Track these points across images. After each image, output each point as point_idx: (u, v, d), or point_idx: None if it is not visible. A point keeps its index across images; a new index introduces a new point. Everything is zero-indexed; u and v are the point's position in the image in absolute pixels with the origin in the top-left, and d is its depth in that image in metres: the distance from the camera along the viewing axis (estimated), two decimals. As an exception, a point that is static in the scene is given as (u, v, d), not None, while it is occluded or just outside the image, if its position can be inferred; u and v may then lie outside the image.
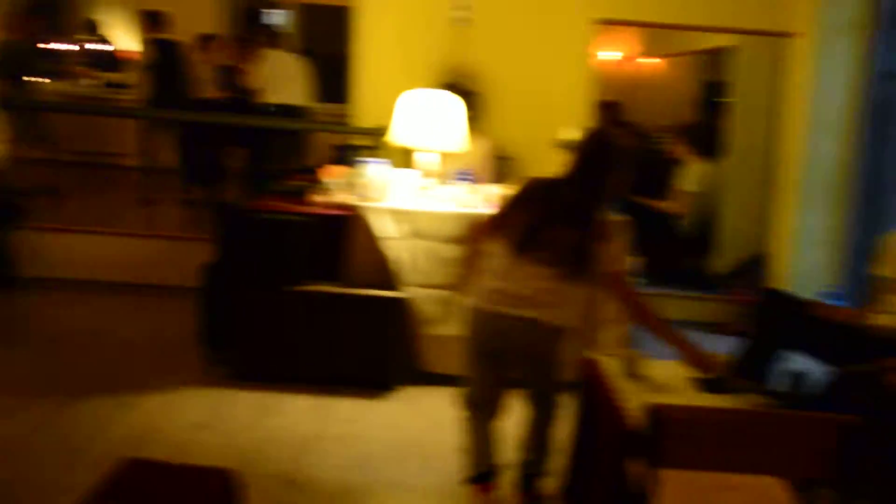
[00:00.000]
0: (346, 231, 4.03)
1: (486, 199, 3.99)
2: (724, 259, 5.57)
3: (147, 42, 7.48)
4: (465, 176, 4.23)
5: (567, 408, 2.91)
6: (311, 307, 3.91)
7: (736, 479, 2.28)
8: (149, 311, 5.03)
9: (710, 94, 6.58)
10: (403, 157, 4.43)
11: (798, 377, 2.82)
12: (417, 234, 4.04)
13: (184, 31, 7.57)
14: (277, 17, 9.71)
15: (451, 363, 3.55)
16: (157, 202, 6.78)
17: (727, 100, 5.75)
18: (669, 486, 2.14)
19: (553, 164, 2.99)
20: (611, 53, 7.52)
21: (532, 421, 2.93)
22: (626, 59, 7.70)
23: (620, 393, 2.57)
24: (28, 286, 5.17)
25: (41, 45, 7.75)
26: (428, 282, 3.99)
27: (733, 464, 2.16)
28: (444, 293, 3.88)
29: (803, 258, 4.84)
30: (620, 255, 2.69)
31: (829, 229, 4.80)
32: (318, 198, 4.20)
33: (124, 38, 9.27)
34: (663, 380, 2.73)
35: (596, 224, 2.64)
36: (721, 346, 3.02)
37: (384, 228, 4.00)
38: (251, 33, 7.89)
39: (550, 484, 2.98)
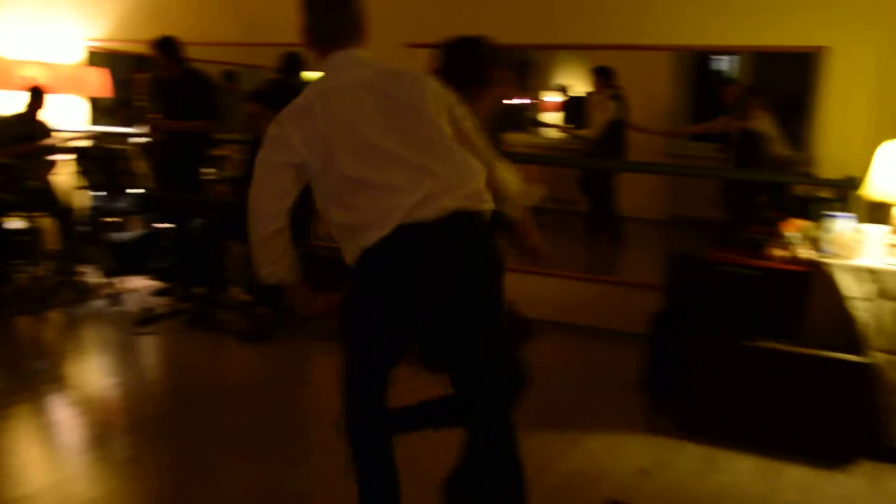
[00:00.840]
0: (806, 288, 3.81)
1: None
2: None
3: (598, 97, 7.85)
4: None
5: None
6: (764, 364, 3.76)
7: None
8: (592, 352, 5.23)
9: None
10: (872, 212, 4.09)
11: None
12: (885, 295, 3.69)
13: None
14: (723, 63, 9.62)
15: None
16: (607, 245, 7.05)
17: None
18: None
19: None
20: None
21: None
22: None
23: None
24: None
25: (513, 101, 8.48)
26: (896, 347, 3.63)
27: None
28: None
29: None
30: None
31: None
32: (778, 251, 4.03)
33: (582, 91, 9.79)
34: None
35: None
36: None
37: (849, 287, 3.72)
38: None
39: None
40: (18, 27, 7.06)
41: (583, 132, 8.30)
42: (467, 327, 2.28)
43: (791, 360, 3.70)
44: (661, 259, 4.48)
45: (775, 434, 3.76)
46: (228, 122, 6.34)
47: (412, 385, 2.56)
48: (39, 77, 6.71)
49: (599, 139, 7.71)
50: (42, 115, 6.39)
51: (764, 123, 6.26)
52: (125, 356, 4.95)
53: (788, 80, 6.17)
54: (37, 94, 6.30)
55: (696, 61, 9.37)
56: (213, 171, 6.54)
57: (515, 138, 8.91)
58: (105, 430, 3.88)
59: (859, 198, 4.10)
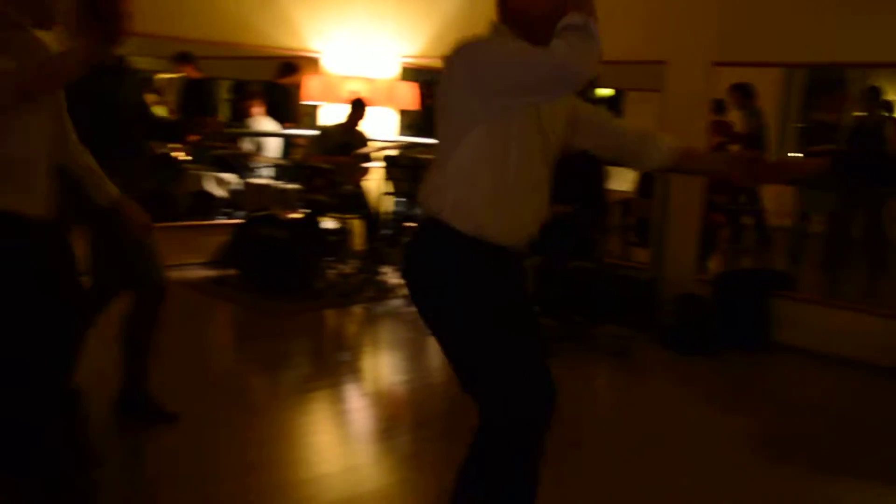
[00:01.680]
0: None
1: None
2: None
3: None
4: None
5: None
6: None
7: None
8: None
9: None
10: None
11: None
12: None
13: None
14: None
15: None
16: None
17: None
18: None
19: None
20: None
21: None
22: None
23: None
24: (777, 351, 5.35)
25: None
26: None
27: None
28: None
29: None
30: None
31: None
32: None
33: None
34: None
35: None
36: None
37: None
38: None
39: None
40: (346, 46, 7.73)
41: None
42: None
43: None
44: None
45: None
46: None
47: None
48: (361, 91, 7.30)
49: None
50: (362, 126, 6.95)
51: None
52: (416, 355, 5.22)
53: None
54: (359, 107, 6.84)
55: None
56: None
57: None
58: (392, 423, 4.11)
59: None
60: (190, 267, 6.77)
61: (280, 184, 7.59)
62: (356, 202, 6.68)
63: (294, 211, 6.87)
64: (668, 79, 6.18)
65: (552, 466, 2.35)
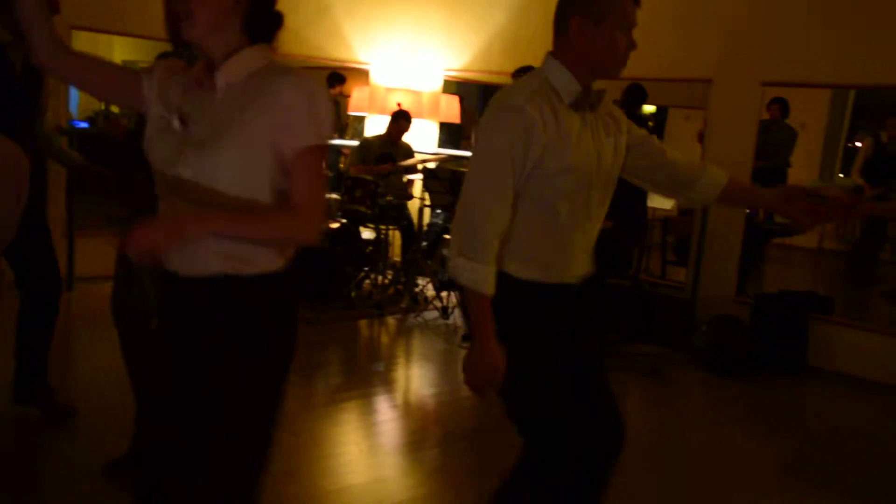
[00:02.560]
0: None
1: None
2: None
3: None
4: None
5: None
6: None
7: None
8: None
9: None
10: None
11: None
12: None
13: None
14: None
15: None
16: None
17: None
18: None
19: None
20: None
21: None
22: None
23: None
24: (814, 376, 5.27)
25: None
26: None
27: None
28: None
29: None
30: None
31: None
32: None
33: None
34: None
35: None
36: None
37: None
38: None
39: None
40: (393, 58, 7.80)
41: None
42: None
43: None
44: None
45: None
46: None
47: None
48: (405, 103, 7.36)
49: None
50: (406, 137, 6.98)
51: None
52: (447, 367, 5.23)
53: None
54: (401, 118, 6.88)
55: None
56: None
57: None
58: (421, 435, 4.12)
59: None
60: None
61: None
62: (395, 213, 6.71)
63: (333, 221, 6.94)
64: (713, 97, 6.14)
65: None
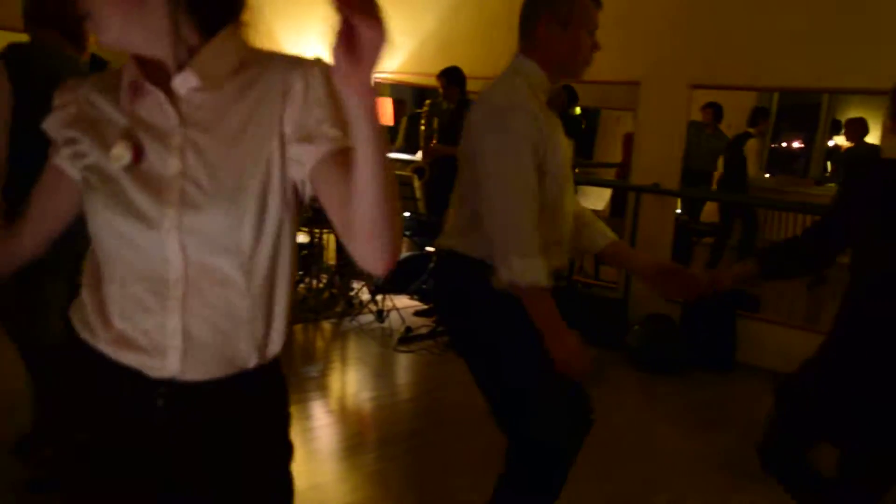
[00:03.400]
0: None
1: None
2: None
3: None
4: None
5: None
6: None
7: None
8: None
9: None
10: None
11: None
12: None
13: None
14: None
15: None
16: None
17: None
18: None
19: None
20: None
21: None
22: None
23: None
24: (740, 372, 5.40)
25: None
26: None
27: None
28: None
29: None
30: None
31: None
32: None
33: None
34: None
35: None
36: None
37: None
38: None
39: None
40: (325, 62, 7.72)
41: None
42: None
43: None
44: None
45: None
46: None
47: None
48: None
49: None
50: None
51: None
52: (383, 371, 5.20)
53: None
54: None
55: None
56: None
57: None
58: (358, 440, 4.08)
59: None
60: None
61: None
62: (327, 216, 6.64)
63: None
64: (642, 99, 6.24)
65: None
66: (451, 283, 2.35)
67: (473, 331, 2.31)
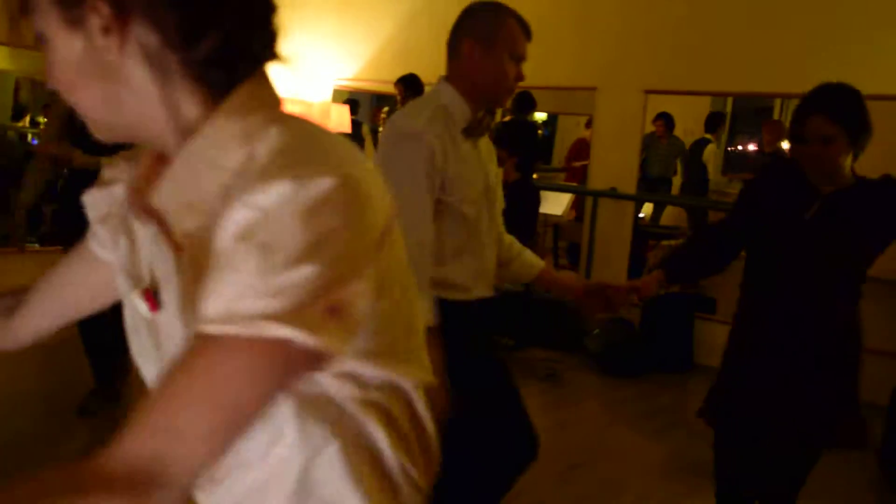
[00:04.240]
0: None
1: None
2: None
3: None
4: None
5: None
6: None
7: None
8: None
9: None
10: None
11: None
12: None
13: None
14: None
15: None
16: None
17: None
18: None
19: None
20: None
21: None
22: None
23: None
24: (699, 373, 5.47)
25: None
26: None
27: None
28: None
29: None
30: None
31: None
32: None
33: None
34: None
35: None
36: None
37: None
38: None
39: None
40: (281, 68, 7.67)
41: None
42: None
43: None
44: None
45: None
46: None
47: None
48: (295, 113, 7.25)
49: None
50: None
51: None
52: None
53: None
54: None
55: None
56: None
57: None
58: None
59: None
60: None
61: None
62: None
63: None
64: (599, 105, 6.30)
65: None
66: None
67: None
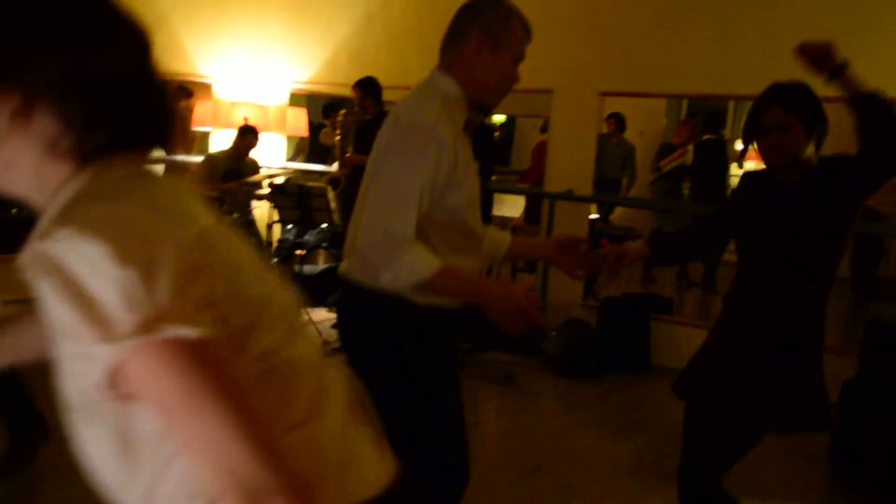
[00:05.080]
0: None
1: None
2: None
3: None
4: None
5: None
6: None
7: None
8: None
9: None
10: None
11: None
12: None
13: None
14: None
15: None
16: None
17: None
18: None
19: None
20: None
21: None
22: None
23: None
24: (656, 373, 5.52)
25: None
26: None
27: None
28: None
29: None
30: None
31: None
32: None
33: None
34: None
35: None
36: None
37: None
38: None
39: None
40: (236, 72, 7.61)
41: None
42: None
43: None
44: (851, 323, 4.16)
45: None
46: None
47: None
48: (251, 117, 7.18)
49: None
50: (253, 153, 6.79)
51: None
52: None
53: None
54: (248, 133, 6.67)
55: None
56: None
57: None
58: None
59: None
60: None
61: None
62: (245, 231, 6.51)
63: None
64: (554, 107, 6.33)
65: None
66: (350, 323, 2.26)
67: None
